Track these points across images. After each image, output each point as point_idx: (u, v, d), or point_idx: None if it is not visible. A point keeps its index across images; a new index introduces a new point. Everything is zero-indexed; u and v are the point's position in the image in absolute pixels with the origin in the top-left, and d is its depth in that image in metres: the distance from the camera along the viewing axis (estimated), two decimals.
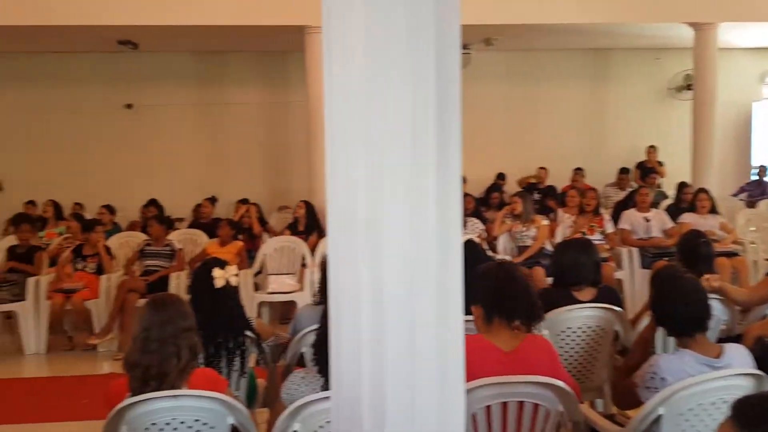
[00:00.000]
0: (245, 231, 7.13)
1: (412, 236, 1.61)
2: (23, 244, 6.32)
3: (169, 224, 6.96)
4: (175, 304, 2.55)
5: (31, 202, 8.79)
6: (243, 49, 9.79)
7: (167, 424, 2.40)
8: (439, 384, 1.64)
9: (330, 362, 1.72)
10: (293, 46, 8.56)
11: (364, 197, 1.63)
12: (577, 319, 3.34)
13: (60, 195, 8.40)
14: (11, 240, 6.63)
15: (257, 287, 6.35)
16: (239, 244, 6.51)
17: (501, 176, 10.04)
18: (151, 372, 2.39)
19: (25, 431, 4.23)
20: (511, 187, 9.58)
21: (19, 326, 5.93)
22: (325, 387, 2.28)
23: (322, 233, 7.18)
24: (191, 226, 7.93)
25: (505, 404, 2.38)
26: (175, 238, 6.75)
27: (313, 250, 6.67)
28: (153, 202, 8.28)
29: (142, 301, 5.91)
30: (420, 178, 1.61)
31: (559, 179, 9.76)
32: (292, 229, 7.24)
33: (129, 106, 9.85)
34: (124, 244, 6.97)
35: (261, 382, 3.44)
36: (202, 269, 3.22)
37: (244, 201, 8.66)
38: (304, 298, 6.08)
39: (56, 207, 7.96)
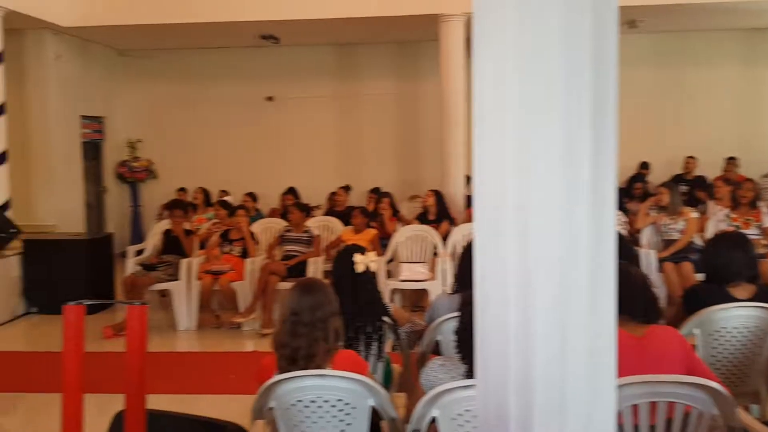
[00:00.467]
0: (378, 219, 7.25)
1: (563, 224, 1.56)
2: (176, 228, 6.81)
3: (308, 211, 7.22)
4: (323, 289, 2.65)
5: (183, 189, 9.45)
6: (377, 40, 9.95)
7: (312, 401, 2.50)
8: (590, 375, 1.59)
9: (475, 350, 1.71)
10: (427, 35, 8.60)
11: (513, 184, 1.60)
12: (734, 319, 3.12)
13: (208, 183, 8.95)
14: (166, 224, 7.14)
15: (389, 275, 6.46)
16: (373, 231, 6.64)
17: (644, 165, 9.55)
18: (300, 353, 2.50)
19: (178, 401, 4.52)
20: (655, 177, 9.09)
21: (173, 304, 6.40)
22: (468, 375, 2.29)
23: (452, 222, 7.18)
24: (326, 213, 8.19)
25: (653, 403, 2.28)
26: (312, 224, 7.00)
27: (444, 239, 6.68)
28: (291, 190, 8.63)
29: (282, 284, 6.20)
30: (573, 165, 1.55)
31: (709, 170, 9.14)
32: (422, 218, 7.29)
33: (270, 98, 10.31)
34: (265, 229, 7.32)
35: (396, 367, 3.50)
36: (343, 255, 3.31)
37: (376, 190, 8.82)
38: (435, 287, 6.12)
39: (205, 194, 8.49)
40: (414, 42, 9.94)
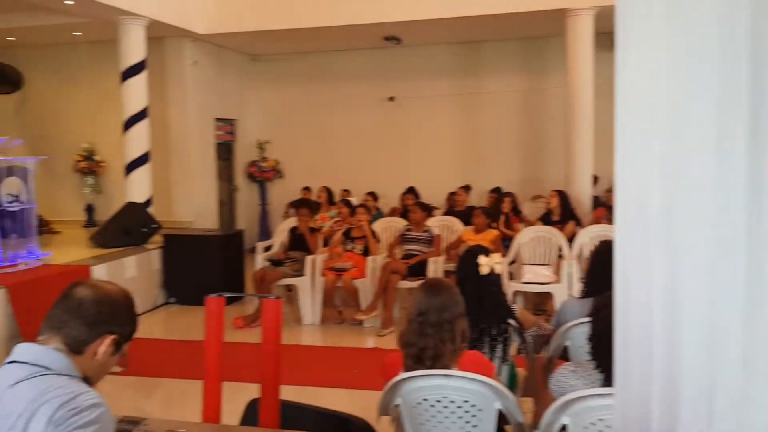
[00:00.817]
0: (499, 219, 7.15)
1: (715, 226, 1.46)
2: (302, 226, 7.04)
3: (429, 211, 7.24)
4: (450, 290, 2.64)
5: (307, 188, 9.76)
6: (500, 37, 9.81)
7: (438, 401, 2.50)
8: (744, 388, 1.48)
9: (614, 358, 1.64)
10: (552, 30, 8.38)
11: (660, 184, 1.52)
12: None
13: (331, 182, 9.19)
14: (292, 222, 7.40)
15: (511, 276, 6.35)
16: (494, 232, 6.55)
17: None
18: (427, 353, 2.51)
19: (302, 392, 4.66)
20: None
21: (299, 299, 6.63)
22: (605, 383, 2.20)
23: (579, 223, 6.95)
24: (446, 213, 8.18)
25: None
26: (433, 224, 7.01)
27: (569, 240, 6.48)
28: (411, 190, 8.69)
29: (403, 283, 6.26)
30: (726, 164, 1.45)
31: None
32: (545, 219, 7.11)
33: (391, 98, 10.43)
34: (386, 228, 7.42)
35: (520, 371, 3.43)
36: (468, 256, 3.28)
37: (497, 190, 8.70)
38: (560, 290, 5.94)
39: (329, 193, 8.72)
40: (539, 38, 9.72)
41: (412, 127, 10.38)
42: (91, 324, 1.62)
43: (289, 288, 7.04)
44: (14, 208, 5.95)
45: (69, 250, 7.24)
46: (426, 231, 6.68)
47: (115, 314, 1.66)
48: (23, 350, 1.60)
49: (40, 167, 6.51)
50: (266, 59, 10.86)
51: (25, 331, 5.31)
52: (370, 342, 6.04)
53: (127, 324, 1.70)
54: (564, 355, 3.24)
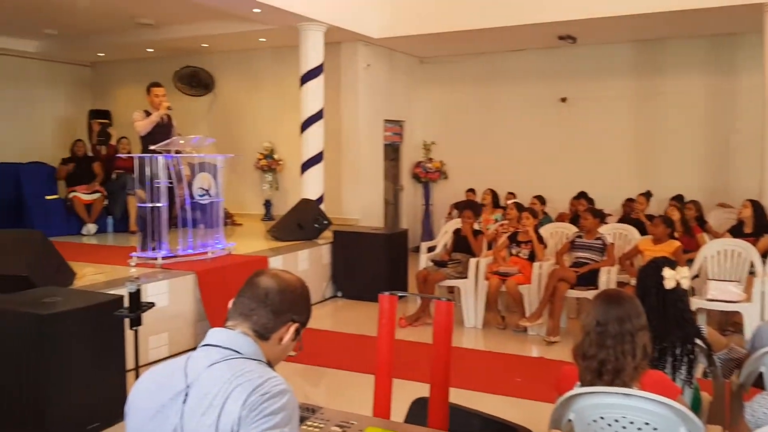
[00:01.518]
0: (684, 229, 6.63)
1: None
2: (466, 228, 6.99)
3: (602, 217, 6.90)
4: (631, 301, 2.47)
5: (472, 190, 9.70)
6: (685, 34, 9.13)
7: (616, 421, 2.34)
8: None
9: None
10: (747, 26, 7.66)
11: None
12: None
13: (496, 184, 9.06)
14: (456, 223, 7.38)
15: (693, 292, 5.86)
16: (676, 243, 6.07)
17: None
18: (607, 366, 2.37)
19: (463, 396, 4.60)
20: None
21: (461, 301, 6.60)
22: None
23: None
24: (621, 220, 7.75)
25: None
26: (606, 231, 6.67)
27: (763, 256, 5.88)
28: (583, 195, 8.34)
29: (571, 292, 6.02)
30: None
31: None
32: (735, 231, 6.49)
33: (563, 99, 10.07)
34: (554, 234, 7.18)
35: (705, 395, 3.15)
36: (651, 268, 3.06)
37: (679, 197, 8.11)
38: (751, 310, 5.41)
39: (494, 195, 8.61)
40: (730, 35, 8.93)
41: (585, 128, 9.95)
42: (277, 312, 1.71)
43: (451, 289, 7.03)
44: (204, 201, 6.48)
45: (249, 241, 7.75)
46: (598, 238, 6.36)
47: (296, 303, 1.76)
48: (216, 335, 1.70)
49: (226, 164, 7.03)
50: (434, 61, 10.95)
51: (210, 314, 5.76)
52: (534, 350, 5.86)
53: (305, 312, 1.80)
54: (759, 382, 2.93)
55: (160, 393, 1.63)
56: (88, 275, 5.71)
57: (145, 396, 1.66)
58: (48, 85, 11.06)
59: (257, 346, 1.69)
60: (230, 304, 1.78)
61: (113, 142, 9.76)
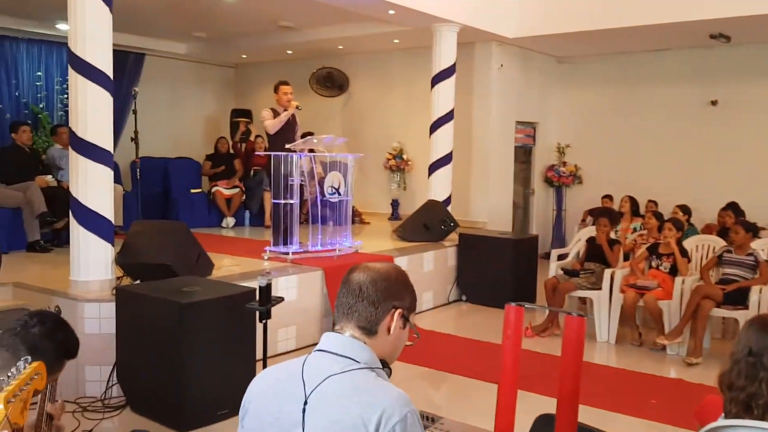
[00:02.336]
0: None
1: None
2: (601, 236, 6.64)
3: (755, 231, 6.32)
4: None
5: (608, 197, 9.24)
6: None
7: None
8: None
9: None
10: None
11: None
12: None
13: (635, 191, 8.57)
14: (590, 231, 7.04)
15: None
16: None
17: None
18: (758, 401, 2.12)
19: (592, 414, 4.39)
20: None
21: (594, 313, 6.28)
22: None
23: None
24: None
25: None
26: (759, 247, 6.10)
27: None
28: (732, 205, 7.69)
29: (717, 310, 5.56)
30: None
31: None
32: None
33: (714, 102, 9.35)
34: (699, 246, 6.67)
35: None
36: None
37: None
38: None
39: (633, 203, 8.14)
40: None
41: (738, 134, 9.17)
42: (375, 302, 1.66)
43: (583, 300, 6.72)
44: (334, 199, 6.61)
45: (376, 240, 7.83)
46: (750, 254, 5.83)
47: (393, 289, 1.70)
48: (330, 340, 1.67)
49: (356, 163, 7.13)
50: (572, 61, 10.54)
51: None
52: (672, 371, 5.46)
53: (405, 295, 1.73)
54: None
55: (279, 399, 1.62)
56: (226, 266, 6.00)
57: (263, 399, 1.66)
58: (196, 85, 11.78)
59: (370, 350, 1.65)
60: (334, 306, 1.76)
61: (251, 139, 10.23)
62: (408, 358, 5.42)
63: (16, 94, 9.32)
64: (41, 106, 9.49)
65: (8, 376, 1.26)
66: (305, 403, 1.56)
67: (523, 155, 10.71)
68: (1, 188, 6.91)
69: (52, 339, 2.07)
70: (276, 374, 1.69)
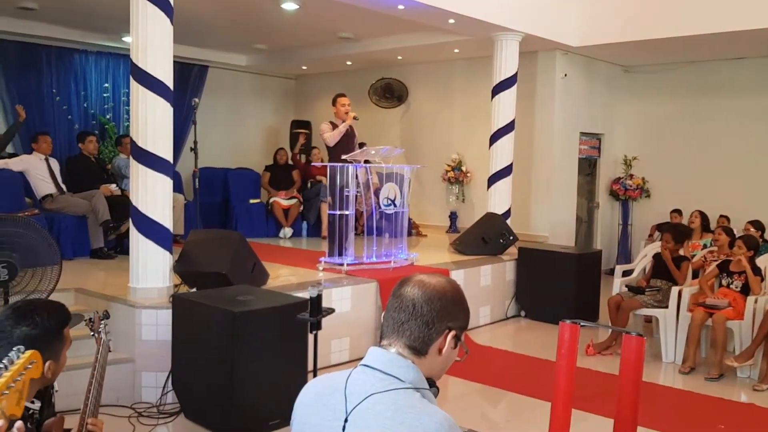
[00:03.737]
0: None
1: None
2: (665, 253, 6.34)
3: None
4: None
5: (677, 211, 8.87)
6: None
7: None
8: None
9: None
10: None
11: None
12: None
13: (705, 206, 8.18)
14: (656, 247, 6.75)
15: None
16: None
17: None
18: None
19: None
20: None
21: (659, 333, 6.00)
22: None
23: None
24: None
25: None
26: None
27: None
28: None
29: None
30: None
31: None
32: None
33: None
34: None
35: None
36: None
37: None
38: None
39: (703, 218, 7.78)
40: None
41: None
42: (429, 323, 1.57)
43: (648, 319, 6.44)
44: (390, 210, 6.55)
45: (432, 252, 7.73)
46: None
47: (448, 309, 1.59)
48: (376, 355, 1.59)
49: (413, 175, 7.08)
50: (639, 70, 10.20)
51: None
52: (743, 395, 5.15)
53: (460, 315, 1.63)
54: None
55: (321, 412, 1.57)
56: (282, 276, 6.01)
57: (306, 411, 1.62)
58: (256, 97, 11.96)
59: (417, 369, 1.56)
60: (382, 318, 1.68)
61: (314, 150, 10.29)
62: (463, 373, 5.29)
63: (85, 105, 9.67)
64: (108, 116, 9.82)
65: (1, 368, 1.23)
66: (345, 420, 1.50)
67: (588, 167, 10.41)
68: (68, 196, 7.16)
69: (36, 336, 2.02)
70: (320, 387, 1.64)
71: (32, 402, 2.01)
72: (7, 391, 1.21)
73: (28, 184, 7.12)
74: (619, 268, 6.98)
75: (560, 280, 7.13)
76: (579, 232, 10.21)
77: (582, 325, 2.39)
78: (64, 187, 7.26)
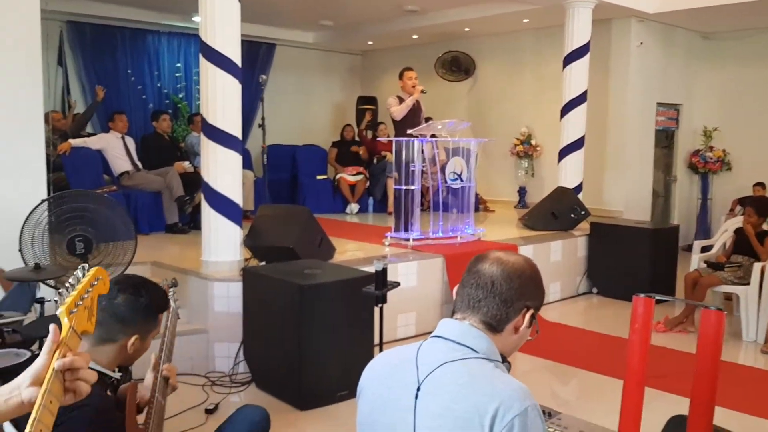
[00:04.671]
0: None
1: None
2: (747, 227, 6.04)
3: None
4: None
5: (761, 185, 8.43)
6: None
7: None
8: None
9: None
10: None
11: None
12: None
13: None
14: (738, 221, 6.45)
15: None
16: None
17: None
18: None
19: (733, 418, 4.00)
20: None
21: (740, 311, 5.74)
22: None
23: None
24: None
25: None
26: None
27: None
28: None
29: None
30: None
31: None
32: None
33: None
34: None
35: None
36: None
37: None
38: None
39: None
40: None
41: None
42: (508, 301, 1.55)
43: (728, 297, 6.16)
44: (456, 185, 6.46)
45: (500, 228, 7.61)
46: None
47: (527, 288, 1.59)
48: (448, 326, 1.58)
49: (481, 149, 6.95)
50: (720, 37, 9.67)
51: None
52: None
53: (538, 295, 1.63)
54: None
55: (392, 383, 1.56)
56: (349, 251, 6.05)
57: (377, 383, 1.61)
58: (323, 74, 12.00)
59: (490, 342, 1.54)
60: (454, 292, 1.64)
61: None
62: (533, 350, 5.21)
63: (158, 84, 9.93)
64: (181, 95, 10.06)
65: (67, 288, 1.25)
66: (418, 389, 1.50)
67: (665, 139, 9.99)
68: (144, 173, 7.40)
69: (136, 306, 2.08)
70: (391, 359, 1.64)
71: (114, 371, 2.08)
72: (75, 309, 1.22)
73: (106, 162, 7.39)
74: (698, 244, 6.70)
75: (634, 256, 6.89)
76: (655, 206, 9.85)
77: (657, 300, 2.28)
78: (139, 164, 7.50)
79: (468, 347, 1.51)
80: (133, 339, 2.05)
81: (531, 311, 1.58)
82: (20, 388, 1.16)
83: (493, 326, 1.55)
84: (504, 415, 1.37)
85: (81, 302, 1.24)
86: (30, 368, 1.18)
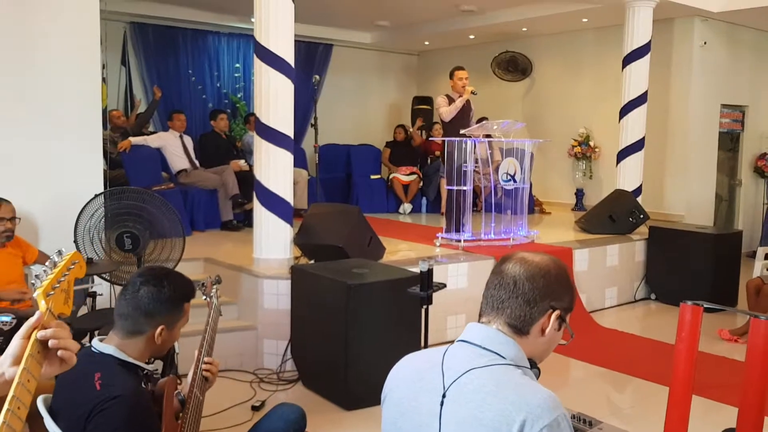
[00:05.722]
0: None
1: None
2: None
3: None
4: None
5: None
6: None
7: None
8: None
9: None
10: None
11: None
12: None
13: None
14: None
15: None
16: None
17: None
18: None
19: None
20: None
21: None
22: None
23: None
24: None
25: None
26: None
27: None
28: None
29: None
30: None
31: None
32: None
33: None
34: None
35: None
36: None
37: None
38: None
39: None
40: None
41: None
42: (531, 302, 1.50)
43: None
44: (510, 186, 6.38)
45: (555, 231, 7.47)
46: None
47: (551, 288, 1.52)
48: (474, 331, 1.54)
49: (538, 150, 6.83)
50: None
51: None
52: None
53: (565, 295, 1.55)
54: None
55: (418, 388, 1.53)
56: (401, 251, 6.05)
57: (403, 387, 1.58)
58: (379, 74, 12.02)
59: (518, 347, 1.49)
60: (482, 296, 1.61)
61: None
62: (586, 356, 5.09)
63: (218, 84, 10.15)
64: (239, 95, 10.25)
65: (44, 271, 1.28)
66: (443, 395, 1.47)
67: (730, 142, 9.62)
68: (201, 171, 7.57)
69: (160, 297, 2.11)
70: (417, 362, 1.61)
71: (148, 362, 2.13)
72: (53, 292, 1.25)
73: (164, 160, 7.59)
74: (762, 250, 6.42)
75: (695, 262, 6.66)
76: (718, 211, 9.49)
77: (705, 308, 2.19)
78: (197, 162, 7.68)
79: (495, 353, 1.47)
80: (159, 330, 2.10)
81: (557, 312, 1.51)
82: (2, 366, 1.20)
83: (519, 328, 1.50)
84: (533, 425, 1.32)
85: (58, 285, 1.27)
86: (9, 349, 1.21)
